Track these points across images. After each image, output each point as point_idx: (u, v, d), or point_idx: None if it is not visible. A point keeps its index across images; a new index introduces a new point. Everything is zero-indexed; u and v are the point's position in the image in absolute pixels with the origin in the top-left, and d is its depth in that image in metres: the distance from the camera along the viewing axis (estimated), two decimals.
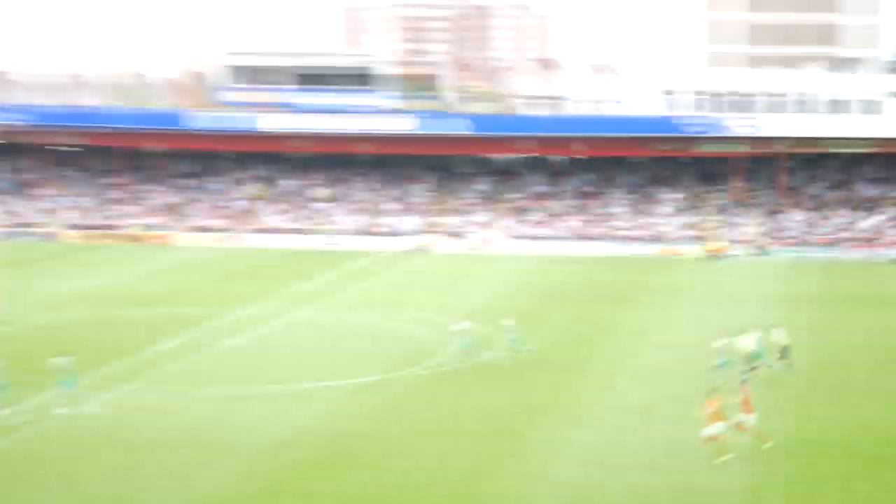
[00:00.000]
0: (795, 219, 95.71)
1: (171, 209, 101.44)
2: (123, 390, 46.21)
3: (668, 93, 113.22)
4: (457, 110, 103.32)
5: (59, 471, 36.18)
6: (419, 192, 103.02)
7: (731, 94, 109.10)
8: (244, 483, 35.16)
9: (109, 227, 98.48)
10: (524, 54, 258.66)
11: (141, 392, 45.96)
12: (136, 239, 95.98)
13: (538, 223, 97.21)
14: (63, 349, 53.11)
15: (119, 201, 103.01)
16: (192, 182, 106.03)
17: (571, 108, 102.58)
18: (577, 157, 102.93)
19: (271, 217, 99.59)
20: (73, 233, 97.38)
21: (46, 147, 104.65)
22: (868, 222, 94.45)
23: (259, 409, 43.53)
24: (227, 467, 36.42)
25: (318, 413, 43.03)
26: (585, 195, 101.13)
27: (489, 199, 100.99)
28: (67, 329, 59.13)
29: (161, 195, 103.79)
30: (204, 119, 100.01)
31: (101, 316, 62.80)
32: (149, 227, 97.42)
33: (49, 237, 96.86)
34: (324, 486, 35.14)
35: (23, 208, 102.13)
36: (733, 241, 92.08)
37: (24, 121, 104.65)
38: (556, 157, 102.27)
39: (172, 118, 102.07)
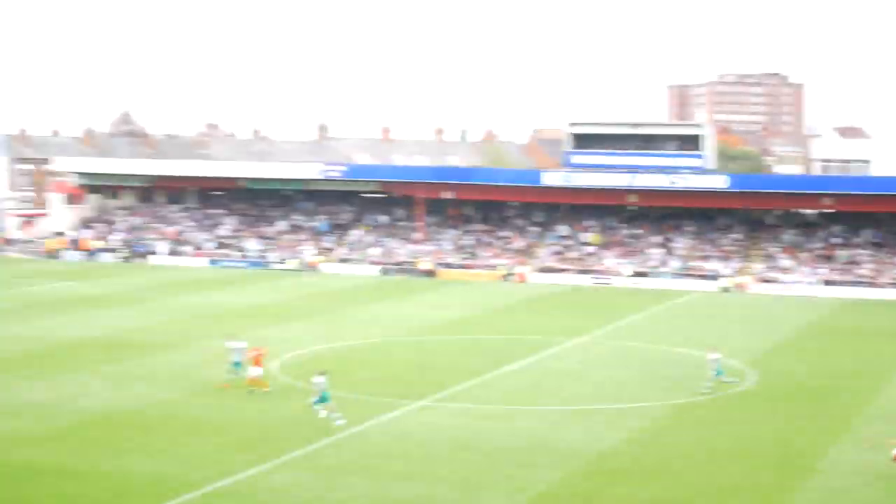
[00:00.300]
0: None
1: (523, 252, 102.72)
2: (471, 404, 47.13)
3: None
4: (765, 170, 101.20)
5: (408, 467, 37.20)
6: (730, 240, 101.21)
7: None
8: (566, 488, 35.31)
9: (473, 266, 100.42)
10: (825, 122, 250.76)
11: (485, 405, 46.80)
12: (494, 276, 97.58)
13: (833, 270, 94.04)
14: (424, 367, 54.83)
15: (481, 245, 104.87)
16: (541, 230, 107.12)
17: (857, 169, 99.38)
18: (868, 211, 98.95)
19: (607, 260, 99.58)
20: (444, 270, 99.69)
21: (418, 197, 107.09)
22: None
23: (583, 424, 43.66)
24: (553, 473, 36.68)
25: (633, 429, 42.86)
26: (877, 245, 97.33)
27: (791, 248, 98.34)
28: (431, 350, 60.66)
29: (515, 240, 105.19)
30: (555, 177, 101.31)
31: (460, 340, 64.15)
32: (506, 267, 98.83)
33: (422, 274, 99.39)
34: (634, 492, 34.98)
35: (399, 248, 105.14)
36: None
37: (403, 177, 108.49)
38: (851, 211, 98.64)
39: (533, 176, 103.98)
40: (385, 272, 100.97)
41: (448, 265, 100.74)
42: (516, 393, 49.46)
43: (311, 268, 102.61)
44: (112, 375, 51.71)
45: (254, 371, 48.18)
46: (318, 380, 43.11)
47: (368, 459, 37.92)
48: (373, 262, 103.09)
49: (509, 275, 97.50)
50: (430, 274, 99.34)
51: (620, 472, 37.07)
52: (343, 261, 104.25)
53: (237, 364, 49.56)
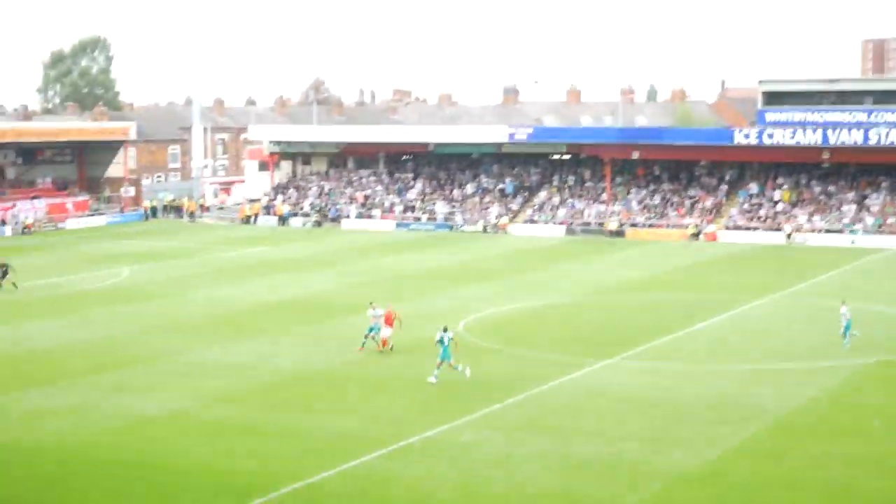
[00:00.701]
0: None
1: (713, 211, 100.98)
2: (659, 362, 46.61)
3: None
4: None
5: (595, 424, 37.04)
6: None
7: None
8: (757, 444, 34.63)
9: (662, 226, 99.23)
10: None
11: (674, 364, 46.20)
12: (683, 236, 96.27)
13: None
14: (612, 327, 54.41)
15: (671, 204, 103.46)
16: (730, 188, 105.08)
17: None
18: None
19: (799, 217, 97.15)
20: (631, 230, 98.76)
21: (606, 158, 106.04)
22: None
23: (773, 382, 42.74)
24: (743, 430, 36.01)
25: (824, 388, 41.77)
26: None
27: None
28: (619, 309, 60.13)
29: (704, 199, 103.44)
30: (747, 135, 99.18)
31: (649, 299, 63.47)
32: (695, 225, 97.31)
33: (610, 234, 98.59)
34: (826, 449, 34.13)
35: (586, 209, 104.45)
36: None
37: (590, 138, 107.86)
38: None
39: (724, 135, 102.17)
40: (572, 233, 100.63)
41: (636, 225, 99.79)
42: (705, 351, 48.76)
43: (498, 229, 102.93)
44: (305, 336, 52.88)
45: (385, 331, 48.54)
46: (441, 335, 43.25)
47: (555, 417, 37.90)
48: (560, 224, 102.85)
49: (698, 234, 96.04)
50: (617, 234, 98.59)
51: (811, 429, 36.25)
52: (530, 222, 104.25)
53: (371, 329, 49.47)
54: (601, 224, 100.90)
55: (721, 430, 36.07)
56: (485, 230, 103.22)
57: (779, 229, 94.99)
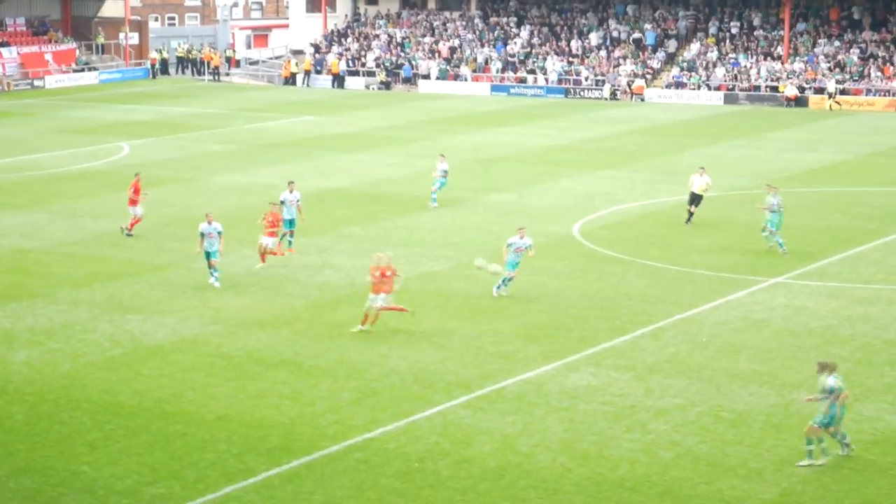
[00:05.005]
0: None
1: None
2: (848, 283, 46.21)
3: None
4: None
5: (755, 366, 36.91)
6: None
7: None
8: None
9: (860, 92, 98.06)
10: None
11: (867, 285, 45.86)
12: (891, 105, 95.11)
13: None
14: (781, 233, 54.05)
15: (874, 60, 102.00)
16: None
17: None
18: None
19: None
20: (817, 97, 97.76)
21: None
22: None
23: None
24: None
25: None
26: None
27: None
28: (791, 209, 59.50)
29: None
30: None
31: (831, 195, 62.80)
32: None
33: (786, 102, 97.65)
34: None
35: (754, 68, 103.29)
36: None
37: None
38: None
39: None
40: (733, 101, 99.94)
41: (824, 90, 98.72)
42: None
43: (632, 95, 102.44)
44: (362, 239, 53.10)
45: (266, 240, 48.43)
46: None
47: (701, 356, 37.73)
48: (717, 88, 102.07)
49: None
50: (797, 102, 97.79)
51: None
52: (675, 86, 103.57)
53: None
54: (775, 89, 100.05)
55: None
56: (613, 96, 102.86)
57: None
